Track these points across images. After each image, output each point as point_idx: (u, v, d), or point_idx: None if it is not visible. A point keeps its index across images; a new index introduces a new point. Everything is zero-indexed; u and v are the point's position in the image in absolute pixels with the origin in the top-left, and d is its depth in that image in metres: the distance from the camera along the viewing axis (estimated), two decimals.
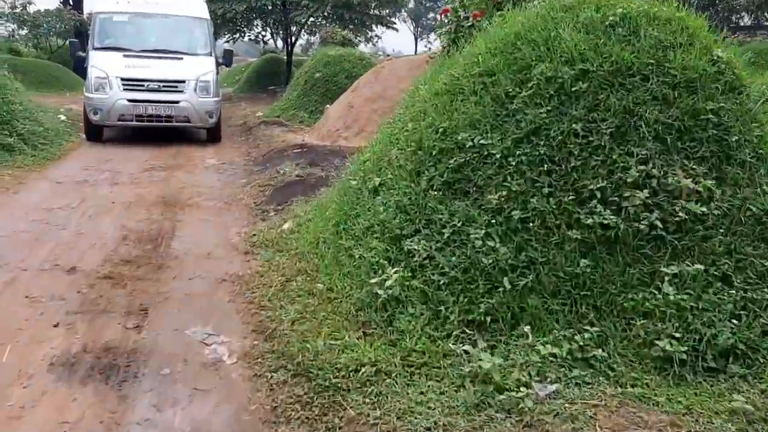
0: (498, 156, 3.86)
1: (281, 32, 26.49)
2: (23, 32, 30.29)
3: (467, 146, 4.01)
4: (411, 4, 57.64)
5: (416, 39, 64.04)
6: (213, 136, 12.41)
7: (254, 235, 6.14)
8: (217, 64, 13.06)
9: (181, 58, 12.13)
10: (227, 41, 30.68)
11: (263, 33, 27.51)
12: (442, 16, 5.88)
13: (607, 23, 4.06)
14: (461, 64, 4.61)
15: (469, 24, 5.30)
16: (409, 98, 5.40)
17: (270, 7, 24.39)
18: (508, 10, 5.03)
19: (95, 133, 12.04)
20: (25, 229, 6.16)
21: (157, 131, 12.16)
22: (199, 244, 5.92)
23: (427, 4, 62.29)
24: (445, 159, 4.13)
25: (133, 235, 6.14)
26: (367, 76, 12.36)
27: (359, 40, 28.16)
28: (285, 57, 27.05)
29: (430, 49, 55.03)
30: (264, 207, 7.33)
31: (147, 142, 11.90)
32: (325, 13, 23.41)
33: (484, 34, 4.76)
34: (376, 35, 31.20)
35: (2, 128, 9.90)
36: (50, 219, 6.58)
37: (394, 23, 27.86)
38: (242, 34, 27.18)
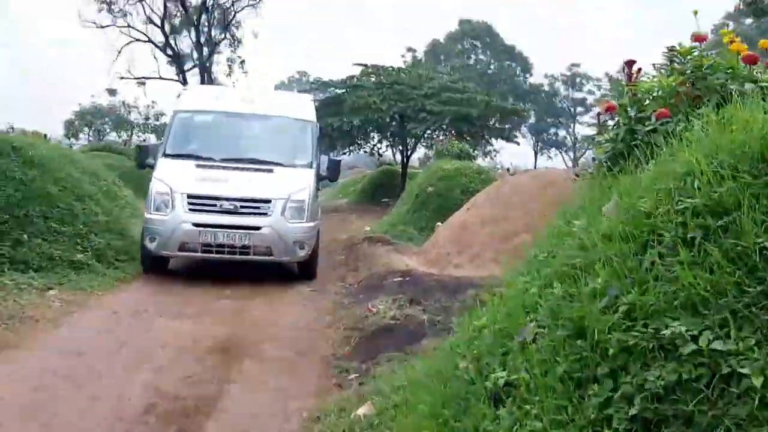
0: (759, 382, 1.89)
1: (398, 144, 25.71)
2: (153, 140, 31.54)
3: (684, 351, 2.08)
4: (532, 120, 56.70)
5: (536, 154, 62.54)
6: (305, 271, 9.42)
7: (318, 418, 4.33)
8: (319, 178, 9.96)
9: (272, 170, 9.36)
10: (344, 153, 30.44)
11: (379, 145, 26.85)
12: (603, 114, 4.07)
13: None
14: (650, 191, 2.73)
15: (650, 128, 3.45)
16: (554, 238, 3.55)
17: (388, 120, 23.75)
18: (719, 108, 3.16)
19: (154, 263, 9.23)
20: (29, 391, 4.68)
21: (231, 266, 9.22)
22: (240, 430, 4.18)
23: (549, 120, 61.14)
24: (634, 366, 2.20)
25: (162, 407, 4.51)
26: (485, 192, 10.66)
27: (477, 153, 26.85)
28: (400, 169, 26.15)
29: (551, 165, 53.13)
30: (344, 364, 5.55)
31: None
32: (443, 126, 22.38)
33: (688, 142, 2.88)
34: (494, 149, 29.88)
35: (76, 242, 8.93)
36: (72, 372, 5.10)
37: (516, 136, 26.45)
38: (359, 147, 26.65)
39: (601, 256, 2.68)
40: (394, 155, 28.18)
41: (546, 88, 62.04)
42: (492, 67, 59.51)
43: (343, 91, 23.60)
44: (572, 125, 60.81)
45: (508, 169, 43.69)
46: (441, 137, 23.94)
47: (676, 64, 3.70)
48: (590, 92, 59.89)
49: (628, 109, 3.74)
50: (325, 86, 26.52)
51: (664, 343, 2.14)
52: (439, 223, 12.72)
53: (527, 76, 61.26)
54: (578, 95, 61.11)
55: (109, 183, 15.27)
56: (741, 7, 28.53)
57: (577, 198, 3.91)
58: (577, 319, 2.55)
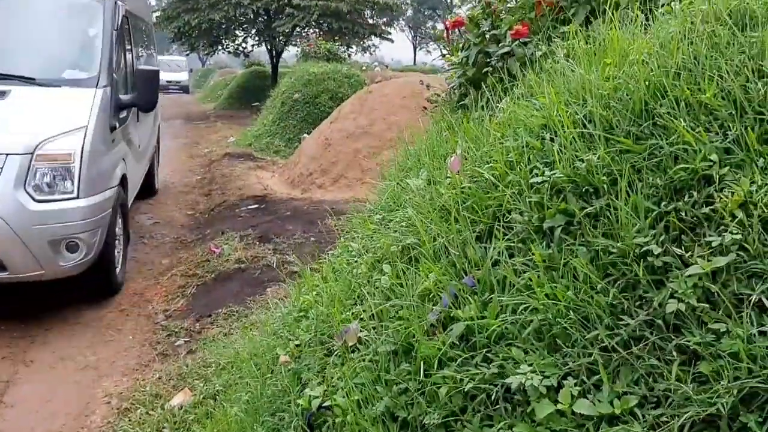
0: None
1: (266, 43, 23.95)
2: None
3: (538, 412, 1.44)
4: (409, 12, 55.27)
5: (415, 49, 61.58)
6: (97, 286, 5.12)
7: (127, 409, 3.56)
8: (118, 106, 5.32)
9: (4, 93, 4.77)
10: (206, 54, 28.24)
11: (244, 45, 24.95)
12: (450, 32, 3.29)
13: None
14: (499, 148, 2.04)
15: (505, 50, 2.72)
16: (391, 195, 2.83)
17: (252, 16, 21.91)
18: (588, 24, 2.48)
19: None
20: None
21: None
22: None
23: (426, 12, 59.90)
24: (473, 419, 1.57)
25: None
26: (350, 103, 9.80)
27: (351, 51, 25.62)
28: (271, 71, 24.54)
29: (431, 62, 52.66)
30: (175, 323, 4.75)
31: None
32: (312, 22, 20.91)
33: (547, 77, 2.19)
34: (373, 45, 28.77)
35: None
36: None
37: (390, 33, 25.34)
38: (222, 46, 24.63)
39: (436, 239, 1.98)
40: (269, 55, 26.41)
41: None
42: None
43: None
44: (449, 17, 59.91)
45: (386, 66, 42.74)
46: (311, 34, 22.43)
47: None
48: None
49: (481, 23, 2.99)
50: None
51: (513, 392, 1.49)
52: (305, 134, 11.81)
53: None
54: None
55: None
56: None
57: (422, 138, 3.19)
58: (402, 332, 1.86)
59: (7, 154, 4.30)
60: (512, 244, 1.75)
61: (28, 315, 4.83)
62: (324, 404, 2.13)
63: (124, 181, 5.48)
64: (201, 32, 21.43)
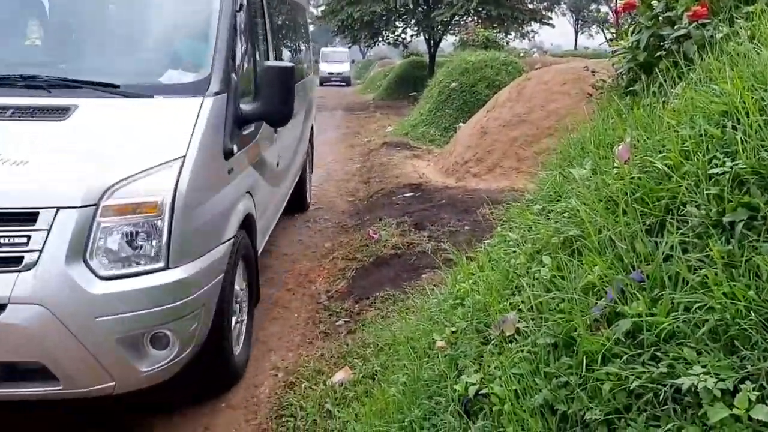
0: None
1: (424, 33, 24.19)
2: None
3: (711, 415, 1.37)
4: None
5: (576, 33, 59.24)
6: (205, 378, 3.51)
7: (293, 383, 3.80)
8: (236, 121, 3.61)
9: (68, 111, 3.17)
10: (367, 46, 28.97)
11: (403, 36, 25.34)
12: (620, 15, 3.15)
13: None
14: (674, 137, 1.94)
15: (681, 32, 2.56)
16: (553, 184, 2.77)
17: (411, 7, 22.21)
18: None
19: None
20: None
21: None
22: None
23: None
24: (638, 418, 1.52)
25: None
26: (507, 91, 9.66)
27: (510, 38, 25.17)
28: (428, 61, 24.75)
29: (594, 47, 50.39)
30: (336, 304, 4.99)
31: None
32: (471, 10, 20.79)
33: (730, 62, 2.04)
34: (532, 30, 28.12)
35: None
36: None
37: (550, 18, 24.59)
38: (382, 38, 25.21)
39: (602, 231, 1.93)
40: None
41: None
42: None
43: None
44: (615, 0, 56.96)
45: (545, 52, 41.43)
46: (470, 22, 22.32)
47: None
48: None
49: (654, 4, 2.83)
50: None
51: (683, 393, 1.43)
52: (461, 123, 11.82)
53: None
54: None
55: None
56: None
57: (586, 126, 3.09)
58: (564, 325, 1.83)
59: (57, 208, 2.70)
60: (686, 239, 1.66)
61: None
62: (481, 391, 2.15)
63: (249, 224, 3.95)
64: (363, 24, 22.07)
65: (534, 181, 3.43)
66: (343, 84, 38.64)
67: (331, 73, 39.08)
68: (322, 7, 25.51)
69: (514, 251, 2.64)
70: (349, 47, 29.90)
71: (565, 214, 2.30)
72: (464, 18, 22.38)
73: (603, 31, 53.56)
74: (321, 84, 35.09)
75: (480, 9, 20.73)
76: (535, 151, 8.05)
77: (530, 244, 2.49)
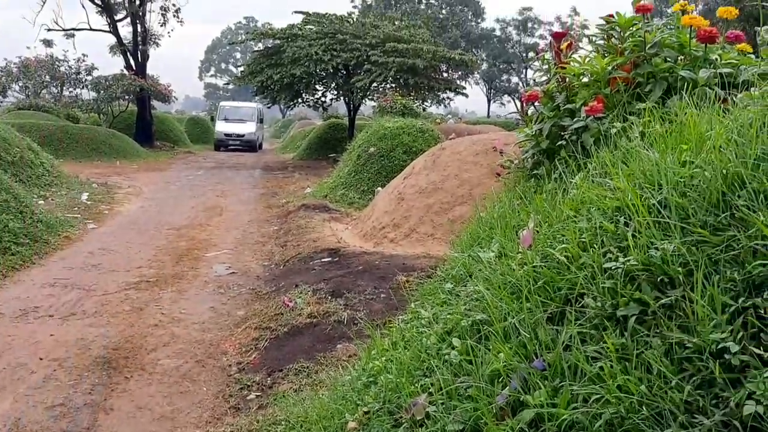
0: None
1: (344, 97, 24.67)
2: (86, 97, 29.65)
3: None
4: (484, 66, 55.84)
5: (489, 101, 61.90)
6: None
7: None
8: None
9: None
10: (287, 107, 29.24)
11: (323, 99, 25.75)
12: (525, 104, 3.33)
13: None
14: (572, 229, 2.05)
15: (580, 124, 2.74)
16: (463, 265, 2.85)
17: (331, 71, 22.64)
18: (665, 101, 2.48)
19: None
20: None
21: None
22: None
23: (501, 66, 60.30)
24: None
25: None
26: (423, 159, 9.93)
27: (426, 105, 26.03)
28: (348, 124, 25.18)
29: (505, 115, 52.67)
30: (248, 377, 4.85)
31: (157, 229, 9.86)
32: (389, 78, 21.41)
33: (623, 159, 2.20)
34: (447, 97, 29.16)
35: None
36: None
37: (464, 88, 25.62)
38: (302, 99, 25.51)
39: (507, 318, 1.99)
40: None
41: (498, 33, 61.00)
42: (443, 12, 58.04)
43: (283, 40, 22.31)
44: (524, 71, 60.09)
45: (460, 118, 42.86)
46: (388, 89, 22.97)
47: (614, 39, 2.98)
48: (542, 37, 59.12)
49: (556, 96, 3.02)
50: (264, 36, 25.12)
51: None
52: (379, 188, 12.01)
53: (479, 21, 60.05)
54: (530, 40, 60.29)
55: (23, 149, 14.14)
56: None
57: (494, 206, 3.21)
58: (471, 412, 1.86)
59: None
60: (584, 330, 1.74)
61: (110, 363, 5.05)
62: None
63: None
64: (283, 86, 22.27)
65: (446, 257, 3.51)
66: (247, 149, 30.68)
67: (229, 135, 30.70)
68: (242, 68, 25.61)
69: (427, 330, 2.67)
70: (269, 107, 29.83)
71: (474, 296, 2.36)
72: (382, 85, 23.00)
73: (513, 100, 56.18)
74: (216, 148, 30.70)
75: (398, 77, 21.38)
76: (449, 218, 8.26)
77: (441, 324, 2.53)
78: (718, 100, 2.29)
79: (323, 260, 7.87)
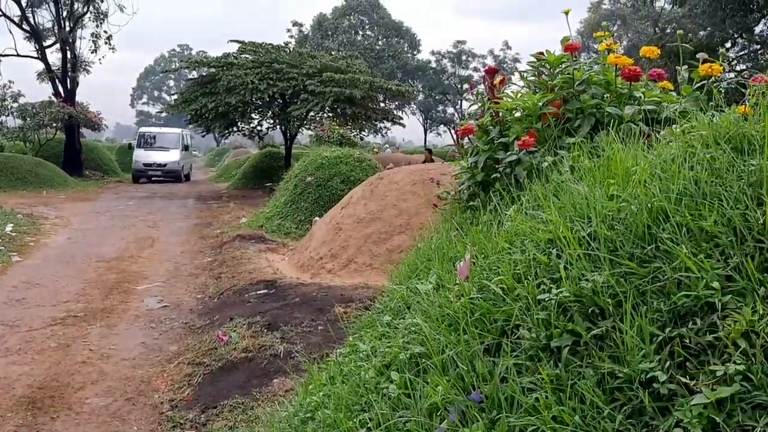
0: None
1: (281, 126, 24.60)
2: (11, 124, 28.55)
3: None
4: (420, 97, 56.81)
5: (426, 131, 62.89)
6: None
7: None
8: None
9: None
10: (222, 135, 28.93)
11: (259, 128, 25.61)
12: (461, 138, 3.41)
13: None
14: (507, 261, 2.09)
15: (513, 158, 2.81)
16: (401, 298, 2.85)
17: (268, 100, 22.57)
18: (591, 138, 2.57)
19: None
20: None
21: None
22: None
23: (437, 97, 61.50)
24: None
25: None
26: (361, 189, 9.96)
27: (364, 134, 26.24)
28: (285, 153, 25.08)
29: (440, 143, 53.59)
30: (180, 414, 4.70)
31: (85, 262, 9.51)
32: (326, 107, 21.49)
33: (554, 192, 2.26)
34: (385, 127, 29.50)
35: None
36: None
37: (401, 118, 25.98)
38: (237, 128, 25.30)
39: (444, 350, 2.00)
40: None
41: (433, 65, 62.26)
42: (380, 43, 58.92)
43: (218, 69, 22.14)
44: (459, 102, 61.40)
45: (398, 148, 43.26)
46: (325, 118, 23.04)
47: (544, 76, 3.09)
48: (476, 69, 60.69)
49: (490, 130, 3.10)
50: (199, 64, 24.90)
51: None
52: (317, 218, 11.96)
53: (415, 53, 61.19)
54: (464, 72, 61.77)
55: None
56: None
57: (432, 239, 3.25)
58: None
59: None
60: (520, 361, 1.77)
61: (35, 403, 4.81)
62: None
63: None
64: (217, 115, 22.04)
65: (385, 288, 3.51)
66: (171, 180, 27.48)
67: (149, 165, 27.27)
68: (176, 96, 25.25)
69: (365, 364, 2.66)
70: (203, 135, 29.22)
71: (412, 329, 2.37)
72: (320, 114, 23.07)
73: (449, 131, 57.23)
74: (134, 180, 27.42)
75: (335, 106, 21.49)
76: (387, 248, 8.30)
77: (380, 358, 2.52)
78: (642, 135, 2.39)
79: (259, 292, 7.75)
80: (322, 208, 12.88)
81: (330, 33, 55.93)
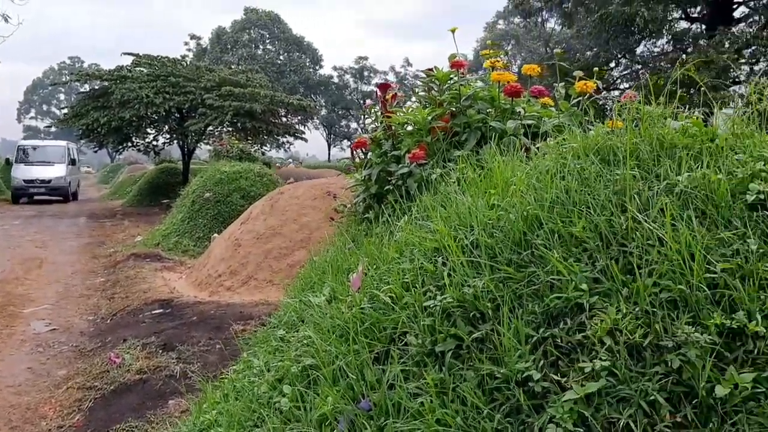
0: None
1: (178, 141, 23.93)
2: None
3: None
4: (323, 112, 56.94)
5: (329, 146, 63.00)
6: None
7: None
8: None
9: None
10: (115, 151, 27.84)
11: (155, 143, 24.82)
12: (355, 151, 3.45)
13: (748, 200, 1.71)
14: (396, 270, 2.13)
15: (405, 170, 2.89)
16: (294, 310, 2.85)
17: (164, 114, 21.91)
18: (477, 151, 2.68)
19: None
20: None
21: None
22: None
23: (340, 112, 61.82)
24: None
25: None
26: (261, 204, 9.85)
27: (266, 149, 25.96)
28: (182, 168, 24.40)
29: (345, 159, 53.93)
30: None
31: None
32: (225, 122, 21.11)
33: (442, 202, 2.34)
34: (287, 142, 29.29)
35: None
36: None
37: (303, 132, 25.90)
38: (132, 143, 24.41)
39: (335, 361, 2.02)
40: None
41: (336, 80, 62.58)
42: (281, 57, 58.63)
43: (111, 82, 21.32)
44: (362, 117, 61.91)
45: (300, 162, 43.09)
46: (224, 133, 22.63)
47: (434, 91, 3.19)
48: (378, 85, 61.43)
49: (383, 143, 3.16)
50: (91, 77, 23.88)
51: None
52: (215, 234, 11.71)
53: (317, 68, 61.29)
54: (366, 88, 62.46)
55: None
56: (510, 7, 30.73)
57: (327, 251, 3.27)
58: None
59: None
60: (407, 368, 1.81)
61: None
62: None
63: None
64: (110, 130, 21.17)
65: (281, 303, 3.49)
66: (57, 197, 24.98)
67: (31, 182, 24.25)
68: (66, 110, 24.10)
69: (258, 379, 2.63)
70: (96, 151, 27.82)
71: (305, 342, 2.37)
72: (219, 128, 22.62)
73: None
74: (14, 200, 24.38)
75: (234, 121, 21.15)
76: (288, 264, 8.23)
77: (273, 372, 2.50)
78: (522, 148, 2.52)
79: (154, 312, 7.49)
80: (221, 225, 12.62)
81: (229, 47, 55.12)
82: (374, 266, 2.38)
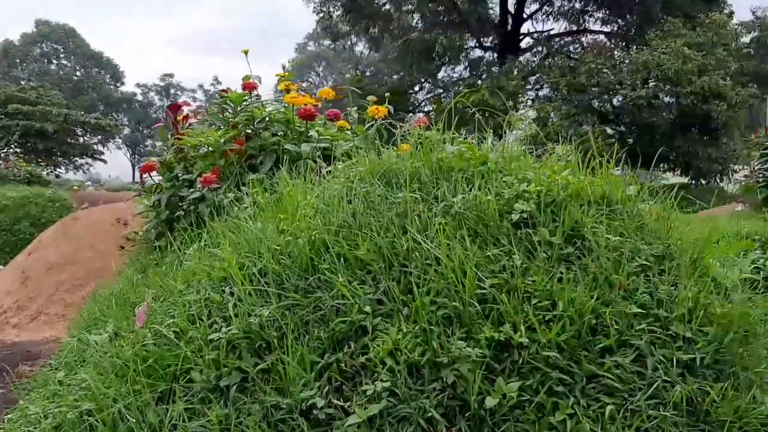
0: None
1: None
2: None
3: None
4: (127, 131, 53.91)
5: (134, 166, 59.66)
6: None
7: None
8: None
9: None
10: None
11: None
12: (143, 175, 3.26)
13: (513, 218, 1.85)
14: (182, 302, 2.03)
15: (197, 195, 2.77)
16: (74, 351, 2.61)
17: None
18: (273, 173, 2.66)
19: None
20: None
21: None
22: None
23: (144, 131, 58.89)
24: None
25: None
26: (53, 231, 9.02)
27: (61, 171, 23.97)
28: None
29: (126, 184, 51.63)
30: None
31: None
32: (13, 143, 19.19)
33: (234, 223, 2.27)
34: (87, 163, 27.27)
35: None
36: None
37: (102, 153, 24.30)
38: None
39: (115, 403, 1.86)
40: None
41: (140, 97, 59.57)
42: (78, 73, 54.65)
43: None
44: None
45: (102, 185, 40.34)
46: (11, 155, 20.54)
47: (228, 113, 3.11)
48: (186, 103, 59.41)
49: (175, 167, 3.02)
50: None
51: None
52: (0, 267, 10.53)
53: (119, 84, 57.94)
54: None
55: None
56: (318, 29, 31.29)
57: (116, 283, 3.05)
58: None
59: None
60: (192, 405, 1.71)
61: None
62: None
63: None
64: None
65: (59, 345, 3.20)
66: None
67: None
68: None
69: (34, 429, 2.36)
70: None
71: (83, 384, 2.17)
72: (4, 150, 20.50)
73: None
74: None
75: (23, 141, 19.29)
76: (83, 295, 7.59)
77: (50, 420, 2.26)
78: (315, 171, 2.53)
79: None
80: (8, 256, 11.42)
81: (18, 61, 50.35)
82: (161, 299, 2.25)
